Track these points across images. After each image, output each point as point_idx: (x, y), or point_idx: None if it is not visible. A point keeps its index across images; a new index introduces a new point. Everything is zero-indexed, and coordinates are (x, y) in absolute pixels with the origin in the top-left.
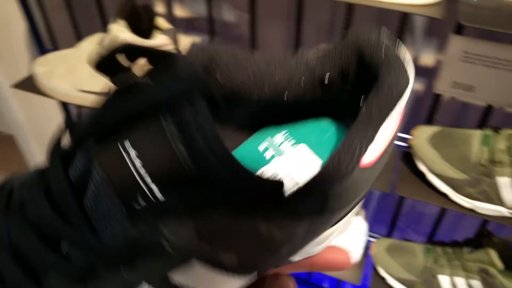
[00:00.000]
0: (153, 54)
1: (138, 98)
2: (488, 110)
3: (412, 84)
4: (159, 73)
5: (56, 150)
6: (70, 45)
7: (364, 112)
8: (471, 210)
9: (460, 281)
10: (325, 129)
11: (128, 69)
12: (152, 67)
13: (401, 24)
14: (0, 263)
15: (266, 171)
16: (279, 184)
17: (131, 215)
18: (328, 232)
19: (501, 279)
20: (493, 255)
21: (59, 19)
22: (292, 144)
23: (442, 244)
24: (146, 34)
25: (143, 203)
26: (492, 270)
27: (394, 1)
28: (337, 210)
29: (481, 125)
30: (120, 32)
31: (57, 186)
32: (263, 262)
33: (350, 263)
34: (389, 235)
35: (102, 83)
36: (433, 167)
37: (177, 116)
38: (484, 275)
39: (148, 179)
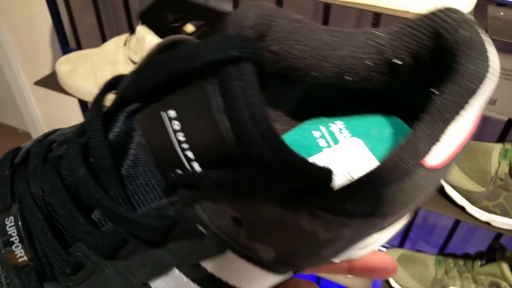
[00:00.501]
0: (204, 12)
1: (184, 60)
2: (509, 124)
3: (497, 78)
4: (209, 34)
5: (97, 108)
6: (94, 45)
7: (434, 105)
8: (487, 223)
9: None
10: (385, 125)
11: (177, 28)
12: (203, 27)
13: None
14: (32, 222)
15: (317, 160)
16: (328, 174)
17: (169, 192)
18: (377, 236)
19: None
20: (506, 269)
21: (85, 19)
22: (347, 137)
23: (454, 256)
24: None
25: (182, 178)
26: (504, 284)
27: (422, 12)
28: (391, 213)
29: (501, 139)
30: (147, 33)
31: (96, 147)
32: (302, 260)
33: (395, 269)
34: (401, 245)
35: None
36: (451, 179)
37: (224, 87)
38: None
39: (190, 154)
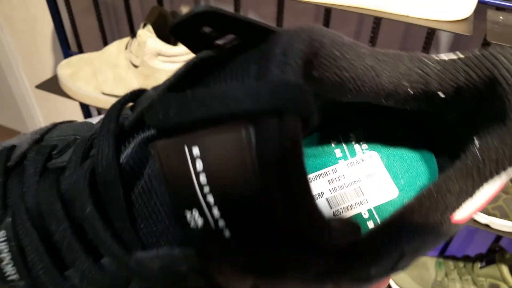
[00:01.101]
0: (244, 27)
1: (220, 102)
2: None
3: None
4: (244, 48)
5: (111, 124)
6: (95, 48)
7: (473, 157)
8: (486, 226)
9: None
10: (406, 144)
11: (215, 44)
12: (242, 43)
13: (428, 40)
14: (26, 241)
15: (333, 172)
16: (356, 237)
17: (183, 238)
18: None
19: None
20: (505, 271)
21: (86, 22)
22: (365, 150)
23: (454, 258)
24: (173, 41)
25: (198, 222)
26: (503, 286)
27: (422, 17)
28: (407, 266)
29: None
30: (148, 37)
31: (105, 175)
32: None
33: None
34: None
35: (126, 87)
36: None
37: (262, 142)
38: None
39: (210, 198)
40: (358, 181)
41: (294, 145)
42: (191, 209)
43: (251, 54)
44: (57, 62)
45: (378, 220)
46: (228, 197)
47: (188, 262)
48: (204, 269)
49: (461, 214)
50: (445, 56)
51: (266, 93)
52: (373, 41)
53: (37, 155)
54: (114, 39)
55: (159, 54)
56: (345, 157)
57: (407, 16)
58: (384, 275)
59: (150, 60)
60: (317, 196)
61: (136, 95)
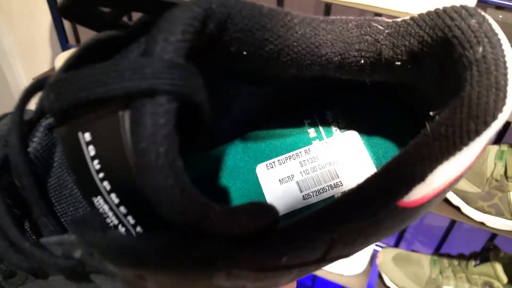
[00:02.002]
0: (144, 3)
1: (96, 86)
2: (506, 126)
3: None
4: (147, 25)
5: (18, 115)
6: None
7: (430, 131)
8: (482, 224)
9: None
10: (388, 118)
11: (119, 23)
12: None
13: None
14: None
15: (305, 153)
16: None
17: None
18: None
19: None
20: (499, 269)
21: None
22: (343, 128)
23: (449, 256)
24: None
25: (104, 207)
26: (497, 284)
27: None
28: (345, 255)
29: (498, 140)
30: None
31: (15, 162)
32: None
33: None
34: (396, 245)
35: None
36: None
37: (134, 122)
38: None
39: (106, 185)
40: (333, 163)
41: (165, 126)
42: (96, 197)
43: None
44: (54, 55)
45: None
46: (120, 183)
47: (82, 248)
48: (95, 260)
49: (411, 198)
50: (399, 19)
51: (139, 73)
52: None
53: None
54: None
55: None
56: (319, 137)
57: (407, 13)
58: (310, 266)
59: None
60: (287, 179)
61: (39, 86)
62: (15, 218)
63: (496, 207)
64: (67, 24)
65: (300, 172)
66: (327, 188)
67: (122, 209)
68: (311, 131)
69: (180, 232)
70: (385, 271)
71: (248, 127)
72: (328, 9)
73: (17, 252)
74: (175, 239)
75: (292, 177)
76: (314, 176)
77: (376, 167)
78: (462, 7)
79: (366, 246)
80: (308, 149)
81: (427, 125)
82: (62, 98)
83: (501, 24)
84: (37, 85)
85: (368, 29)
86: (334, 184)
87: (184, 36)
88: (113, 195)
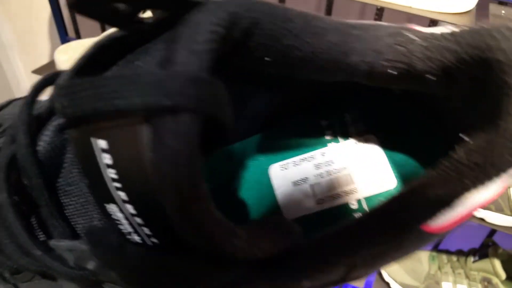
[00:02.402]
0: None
1: (113, 97)
2: None
3: None
4: (167, 24)
5: (24, 112)
6: (93, 34)
7: (458, 161)
8: (481, 219)
9: None
10: (409, 123)
11: (135, 20)
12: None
13: None
14: None
15: (321, 156)
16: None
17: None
18: None
19: None
20: (497, 265)
21: None
22: (361, 131)
23: (447, 252)
24: None
25: (118, 215)
26: (495, 280)
27: (425, 8)
28: (363, 275)
29: None
30: None
31: (23, 161)
32: None
33: None
34: None
35: None
36: None
37: (155, 140)
38: (487, 284)
39: (123, 195)
40: (349, 168)
41: (186, 145)
42: (109, 204)
43: (167, 33)
44: (53, 48)
45: None
46: (138, 196)
47: (95, 260)
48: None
49: (436, 224)
50: (435, 30)
51: (161, 88)
52: None
53: None
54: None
55: None
56: (336, 140)
57: (410, 7)
58: (329, 286)
59: None
60: (300, 181)
61: (54, 77)
62: (24, 220)
63: (496, 203)
64: (66, 16)
65: (315, 176)
66: (341, 193)
67: (138, 220)
68: (328, 133)
69: (202, 257)
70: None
71: (263, 126)
72: (330, 3)
73: (26, 255)
74: (197, 264)
75: (306, 180)
76: (329, 181)
77: (396, 176)
78: (507, 28)
79: (386, 265)
80: (324, 151)
81: (457, 149)
82: (77, 105)
83: (504, 19)
84: (47, 81)
85: (401, 39)
86: (349, 190)
87: (208, 45)
88: (129, 206)
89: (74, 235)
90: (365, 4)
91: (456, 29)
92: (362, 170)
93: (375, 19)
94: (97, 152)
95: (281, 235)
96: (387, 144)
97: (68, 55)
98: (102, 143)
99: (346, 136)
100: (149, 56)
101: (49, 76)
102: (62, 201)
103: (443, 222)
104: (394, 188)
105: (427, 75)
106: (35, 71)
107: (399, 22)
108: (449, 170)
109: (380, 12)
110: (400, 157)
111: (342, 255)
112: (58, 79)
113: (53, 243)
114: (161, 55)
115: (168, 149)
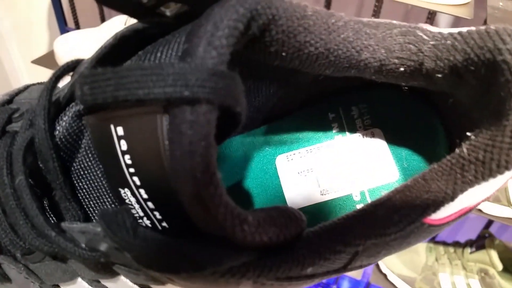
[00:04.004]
0: None
1: (134, 88)
2: None
3: None
4: (188, 17)
5: (47, 96)
6: (92, 25)
7: (467, 153)
8: (479, 210)
9: (460, 279)
10: (415, 118)
11: (157, 12)
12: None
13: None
14: None
15: (327, 148)
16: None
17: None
18: None
19: (500, 279)
20: (494, 256)
21: None
22: (367, 125)
23: (445, 244)
24: None
25: (131, 199)
26: (492, 271)
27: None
28: (365, 265)
29: None
30: None
31: (41, 146)
32: None
33: None
34: None
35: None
36: None
37: (172, 130)
38: (484, 275)
39: (136, 180)
40: (354, 161)
41: (203, 135)
42: (123, 188)
43: (188, 25)
44: (52, 38)
45: None
46: (151, 181)
47: (108, 241)
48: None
49: (438, 216)
50: (444, 30)
51: (182, 80)
52: None
53: None
54: (111, 15)
55: None
56: (342, 133)
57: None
58: (332, 274)
59: None
60: (305, 172)
61: (76, 63)
62: (40, 202)
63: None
64: (66, 6)
65: (320, 167)
66: (345, 185)
67: (150, 204)
68: (335, 126)
69: (213, 241)
70: None
71: (271, 116)
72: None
73: (41, 236)
74: (208, 249)
75: (311, 171)
76: (333, 172)
77: (398, 169)
78: None
79: (387, 256)
80: (330, 143)
81: (462, 146)
82: (98, 93)
83: (502, 12)
84: (67, 68)
85: (413, 37)
86: (353, 181)
87: (228, 41)
88: (141, 190)
89: (86, 218)
90: (362, 2)
91: (463, 30)
92: (366, 163)
93: (374, 10)
94: (115, 138)
95: (288, 223)
96: (392, 138)
97: (68, 45)
98: (119, 130)
99: (352, 129)
100: (169, 48)
101: (69, 63)
102: (76, 184)
103: (444, 215)
104: (396, 181)
105: (436, 74)
106: (35, 61)
107: (397, 13)
108: (453, 165)
109: (379, 4)
110: (404, 151)
111: (345, 244)
112: (78, 67)
113: (65, 225)
114: (182, 47)
115: (185, 138)
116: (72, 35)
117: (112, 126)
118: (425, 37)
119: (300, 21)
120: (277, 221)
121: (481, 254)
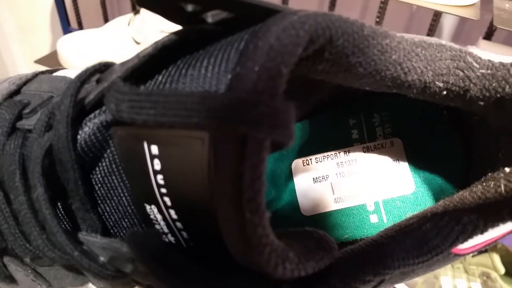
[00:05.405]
0: (238, 5)
1: (178, 114)
2: None
3: None
4: (233, 24)
5: (66, 102)
6: (96, 25)
7: (496, 185)
8: None
9: (461, 283)
10: (434, 131)
11: (200, 19)
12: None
13: (432, 27)
14: None
15: (344, 154)
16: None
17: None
18: None
19: (502, 283)
20: (496, 260)
21: None
22: (388, 133)
23: None
24: None
25: (157, 216)
26: (494, 274)
27: (429, 0)
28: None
29: None
30: (151, 13)
31: (60, 155)
32: None
33: None
34: None
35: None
36: None
37: (216, 158)
38: (485, 279)
39: (167, 200)
40: (371, 169)
41: (249, 169)
42: (150, 205)
43: (235, 38)
44: (55, 39)
45: (383, 216)
46: (184, 204)
47: (134, 264)
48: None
49: (464, 246)
50: (495, 58)
51: (232, 114)
52: (379, 25)
53: (7, 112)
54: (114, 16)
55: (162, 31)
56: (362, 140)
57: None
58: None
59: (153, 37)
60: (321, 178)
61: (104, 67)
62: (54, 209)
63: None
64: (69, 7)
65: (336, 174)
66: (360, 194)
67: (179, 224)
68: (354, 132)
69: (249, 275)
70: None
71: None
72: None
73: (56, 247)
74: (243, 284)
75: (327, 178)
76: (349, 180)
77: (414, 182)
78: None
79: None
80: (348, 150)
81: (495, 178)
82: (138, 113)
83: (508, 13)
84: (94, 71)
85: (463, 63)
86: (368, 191)
87: (287, 69)
88: (172, 211)
89: (104, 230)
90: (367, 2)
91: None
92: (383, 173)
93: (379, 12)
94: (147, 156)
95: (324, 255)
96: (410, 149)
97: (71, 45)
98: (154, 148)
99: (372, 137)
100: (215, 65)
101: (96, 66)
102: (95, 195)
103: (471, 245)
104: (412, 193)
105: (479, 102)
106: (38, 61)
107: (402, 14)
108: (487, 199)
109: (384, 5)
110: (422, 164)
111: (375, 274)
112: (107, 72)
113: (83, 237)
114: (230, 67)
115: (227, 169)
116: (75, 36)
117: (145, 144)
118: (475, 64)
119: (355, 41)
120: (315, 255)
121: (483, 258)
